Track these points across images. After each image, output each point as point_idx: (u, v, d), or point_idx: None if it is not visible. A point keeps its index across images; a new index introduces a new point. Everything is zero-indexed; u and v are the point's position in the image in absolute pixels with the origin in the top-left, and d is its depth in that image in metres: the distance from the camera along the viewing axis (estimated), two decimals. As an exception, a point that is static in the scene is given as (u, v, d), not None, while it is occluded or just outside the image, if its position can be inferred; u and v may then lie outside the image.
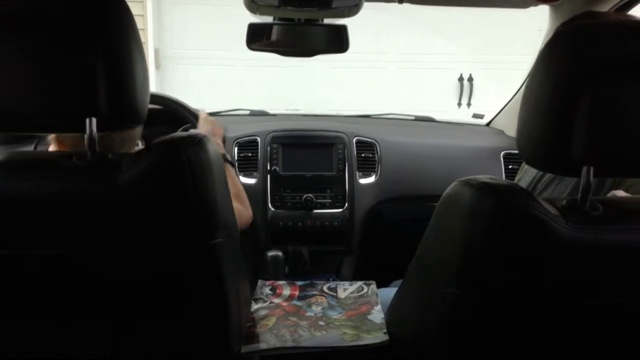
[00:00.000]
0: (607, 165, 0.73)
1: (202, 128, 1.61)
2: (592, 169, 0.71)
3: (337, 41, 1.53)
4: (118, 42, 0.74)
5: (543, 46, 0.76)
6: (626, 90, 0.69)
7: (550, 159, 0.74)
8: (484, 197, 0.73)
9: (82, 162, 0.77)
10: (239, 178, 1.68)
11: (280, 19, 1.54)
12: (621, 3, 1.43)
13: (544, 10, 1.67)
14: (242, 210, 1.40)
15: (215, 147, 0.84)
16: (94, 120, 0.74)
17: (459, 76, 5.60)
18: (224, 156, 1.42)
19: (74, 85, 0.73)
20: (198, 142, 0.79)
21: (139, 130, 1.04)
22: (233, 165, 1.55)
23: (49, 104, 0.74)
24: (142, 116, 0.80)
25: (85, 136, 0.75)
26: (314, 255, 1.79)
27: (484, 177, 0.76)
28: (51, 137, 0.98)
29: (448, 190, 0.81)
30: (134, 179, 0.75)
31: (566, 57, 0.71)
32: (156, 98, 1.69)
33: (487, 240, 0.72)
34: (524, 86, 1.85)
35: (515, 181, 1.48)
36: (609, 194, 1.04)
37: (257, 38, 1.57)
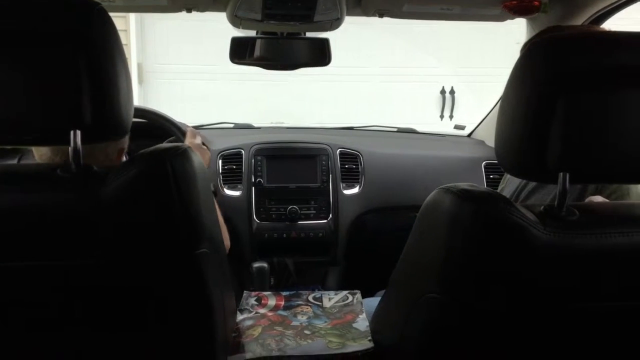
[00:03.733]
0: (582, 171, 0.75)
1: (189, 143, 1.60)
2: (567, 175, 0.73)
3: (320, 54, 1.55)
4: (102, 54, 0.75)
5: (518, 57, 0.78)
6: (598, 98, 0.72)
7: (527, 166, 0.76)
8: (463, 204, 0.75)
9: (67, 174, 0.77)
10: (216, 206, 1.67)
11: (263, 32, 1.56)
12: (595, 16, 1.47)
13: (521, 23, 1.71)
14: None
15: (199, 158, 0.84)
16: (78, 132, 0.74)
17: (440, 89, 5.66)
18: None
19: (58, 97, 0.73)
20: (182, 153, 0.79)
21: (124, 143, 1.05)
22: (215, 195, 1.54)
23: (33, 116, 0.74)
24: (126, 128, 0.81)
25: (70, 148, 0.75)
26: (299, 267, 1.80)
27: (464, 184, 0.78)
28: (33, 150, 0.98)
29: (429, 197, 0.82)
30: (119, 190, 0.75)
31: (540, 68, 0.73)
32: (142, 112, 1.70)
33: (467, 246, 0.74)
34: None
35: (498, 190, 1.50)
36: (586, 200, 1.07)
37: (240, 52, 1.59)
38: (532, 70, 0.74)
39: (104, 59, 0.75)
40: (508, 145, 0.78)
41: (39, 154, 0.96)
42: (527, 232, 0.72)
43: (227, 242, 1.42)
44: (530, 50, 0.75)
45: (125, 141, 1.05)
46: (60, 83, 0.73)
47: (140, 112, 1.70)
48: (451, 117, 5.67)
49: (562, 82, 0.71)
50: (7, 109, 0.73)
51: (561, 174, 0.73)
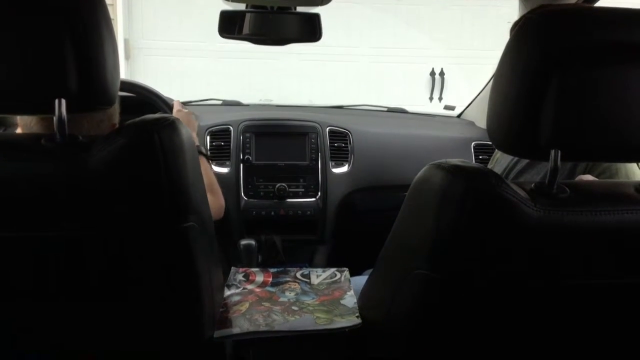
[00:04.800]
0: (574, 148, 0.75)
1: (176, 113, 1.59)
2: (559, 152, 0.73)
3: (310, 30, 1.53)
4: (88, 21, 0.73)
5: (512, 33, 0.77)
6: (592, 75, 0.71)
7: (519, 143, 0.76)
8: (454, 180, 0.74)
9: (51, 144, 0.75)
10: (212, 169, 1.67)
11: (252, 6, 1.53)
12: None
13: (513, 6, 1.69)
14: (215, 201, 1.38)
15: (187, 130, 0.83)
16: (63, 101, 0.73)
17: (430, 70, 5.64)
18: (198, 148, 1.41)
19: (42, 65, 0.72)
20: (170, 124, 0.78)
21: (115, 118, 1.02)
22: (207, 157, 1.54)
23: (17, 84, 0.72)
24: (112, 98, 0.79)
25: (55, 118, 0.73)
26: (287, 245, 1.79)
27: (455, 160, 0.77)
28: (18, 121, 0.96)
29: (420, 173, 0.82)
30: (105, 161, 0.74)
31: (533, 43, 0.73)
32: (129, 85, 1.67)
33: (458, 222, 0.74)
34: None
35: None
36: (577, 178, 1.07)
37: (229, 26, 1.55)
38: (525, 46, 0.73)
39: (89, 27, 0.73)
40: (500, 121, 0.77)
41: (24, 127, 0.94)
42: (518, 209, 0.72)
43: (221, 201, 1.41)
44: (523, 26, 0.74)
45: (116, 116, 1.03)
46: (45, 50, 0.71)
47: (128, 85, 1.67)
48: (440, 99, 5.65)
49: (555, 58, 0.70)
50: None
51: (553, 151, 0.73)
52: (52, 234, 0.76)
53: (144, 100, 1.70)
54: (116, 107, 1.00)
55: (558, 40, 0.71)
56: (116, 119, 1.03)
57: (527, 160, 1.32)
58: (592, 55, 0.71)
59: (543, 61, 0.71)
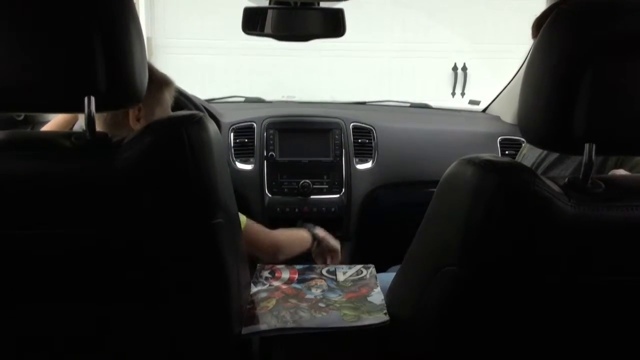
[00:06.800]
0: (609, 142, 0.73)
1: None
2: (594, 146, 0.71)
3: (334, 25, 1.52)
4: (117, 20, 0.73)
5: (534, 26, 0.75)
6: (627, 66, 0.69)
7: (553, 137, 0.74)
8: (486, 175, 0.73)
9: (81, 141, 0.76)
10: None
11: (276, 2, 1.53)
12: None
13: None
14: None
15: (215, 127, 0.83)
16: (92, 99, 0.73)
17: (453, 65, 5.59)
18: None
19: (72, 63, 0.72)
20: (198, 121, 0.78)
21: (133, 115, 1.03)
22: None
23: (47, 82, 0.73)
24: (140, 96, 0.79)
25: (84, 115, 0.74)
26: (311, 242, 1.78)
27: (486, 155, 0.76)
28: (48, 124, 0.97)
29: (449, 169, 0.80)
30: (134, 159, 0.74)
31: (566, 35, 0.71)
32: None
33: (489, 218, 0.72)
34: (524, 66, 1.85)
35: None
36: (609, 173, 1.04)
37: (253, 22, 1.55)
38: (558, 38, 0.72)
39: (118, 25, 0.74)
40: (532, 115, 0.75)
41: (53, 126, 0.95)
42: (552, 204, 0.70)
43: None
44: (556, 17, 0.72)
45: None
46: (74, 49, 0.72)
47: None
48: (463, 94, 5.60)
49: (589, 49, 0.69)
50: (23, 73, 0.72)
51: (587, 144, 0.71)
52: (80, 232, 0.77)
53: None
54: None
55: (591, 31, 0.69)
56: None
57: (555, 156, 1.29)
58: (627, 45, 0.69)
59: (577, 53, 0.70)
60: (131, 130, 1.01)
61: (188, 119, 0.77)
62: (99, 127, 0.85)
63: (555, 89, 0.71)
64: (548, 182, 0.73)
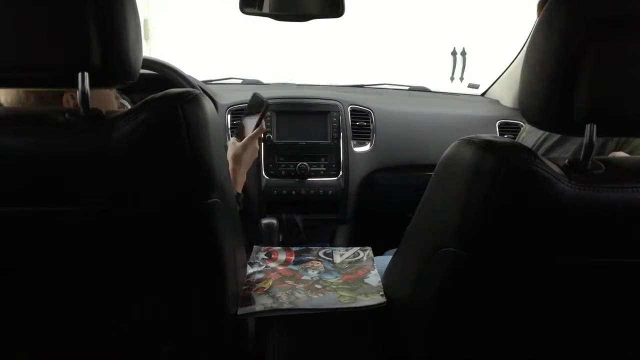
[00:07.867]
0: (611, 123, 0.72)
1: None
2: (595, 127, 0.70)
3: (333, 5, 1.49)
4: None
5: (546, 5, 0.74)
6: (628, 46, 0.68)
7: (554, 117, 0.73)
8: (486, 155, 0.72)
9: (75, 117, 0.75)
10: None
11: (274, -19, 1.50)
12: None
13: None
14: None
15: (211, 105, 0.81)
16: (86, 75, 0.72)
17: (452, 50, 5.55)
18: None
19: (66, 39, 0.71)
20: (194, 99, 0.76)
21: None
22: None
23: (40, 58, 0.72)
24: (134, 73, 0.78)
25: (78, 92, 0.73)
26: (308, 224, 1.78)
27: (486, 135, 0.75)
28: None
29: (449, 149, 0.80)
30: (129, 135, 0.73)
31: (567, 14, 0.70)
32: (149, 62, 1.66)
33: (489, 198, 0.72)
34: (525, 46, 1.83)
35: None
36: (609, 155, 1.04)
37: (250, 1, 1.53)
38: (558, 18, 0.71)
39: (112, 2, 0.72)
40: (533, 96, 0.74)
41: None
42: (552, 185, 0.70)
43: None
44: None
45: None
46: (68, 25, 0.71)
47: (148, 62, 1.66)
48: (462, 79, 5.57)
49: (590, 29, 0.68)
50: (16, 49, 0.71)
51: (588, 125, 0.71)
52: (74, 209, 0.76)
53: (165, 77, 1.69)
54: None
55: (593, 11, 0.68)
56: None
57: (554, 139, 1.28)
58: (628, 26, 0.68)
59: (578, 33, 0.68)
60: None
61: (183, 95, 0.76)
62: None
63: (556, 69, 0.70)
64: (548, 162, 0.72)
